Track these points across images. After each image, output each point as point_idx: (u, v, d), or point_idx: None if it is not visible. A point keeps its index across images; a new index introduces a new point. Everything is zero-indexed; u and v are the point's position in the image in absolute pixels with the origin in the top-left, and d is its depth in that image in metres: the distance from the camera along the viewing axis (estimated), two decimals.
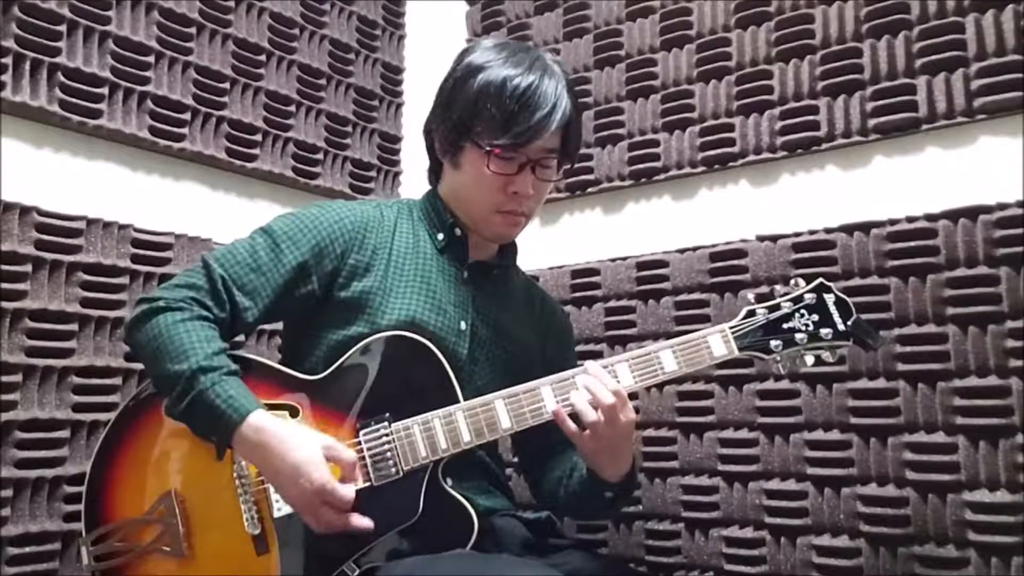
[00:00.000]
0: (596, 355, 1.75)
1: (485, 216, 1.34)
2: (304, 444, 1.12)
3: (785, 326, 1.24)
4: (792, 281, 1.27)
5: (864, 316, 1.30)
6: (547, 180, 1.34)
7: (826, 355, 1.25)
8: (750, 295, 1.28)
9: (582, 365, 1.23)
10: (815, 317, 1.24)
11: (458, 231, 1.38)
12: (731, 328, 1.25)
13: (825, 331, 1.24)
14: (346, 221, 1.33)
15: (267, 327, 1.73)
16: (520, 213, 1.34)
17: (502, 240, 1.41)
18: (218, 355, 1.16)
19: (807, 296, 1.25)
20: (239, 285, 1.24)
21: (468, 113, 1.28)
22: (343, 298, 1.29)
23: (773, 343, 1.24)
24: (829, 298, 1.25)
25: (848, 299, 1.26)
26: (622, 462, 1.25)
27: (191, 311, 1.20)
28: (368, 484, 1.19)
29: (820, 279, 1.27)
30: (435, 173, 1.43)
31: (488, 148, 1.27)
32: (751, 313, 1.25)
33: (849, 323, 1.24)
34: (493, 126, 1.26)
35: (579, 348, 1.78)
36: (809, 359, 1.25)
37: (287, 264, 1.27)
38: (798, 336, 1.24)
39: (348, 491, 1.12)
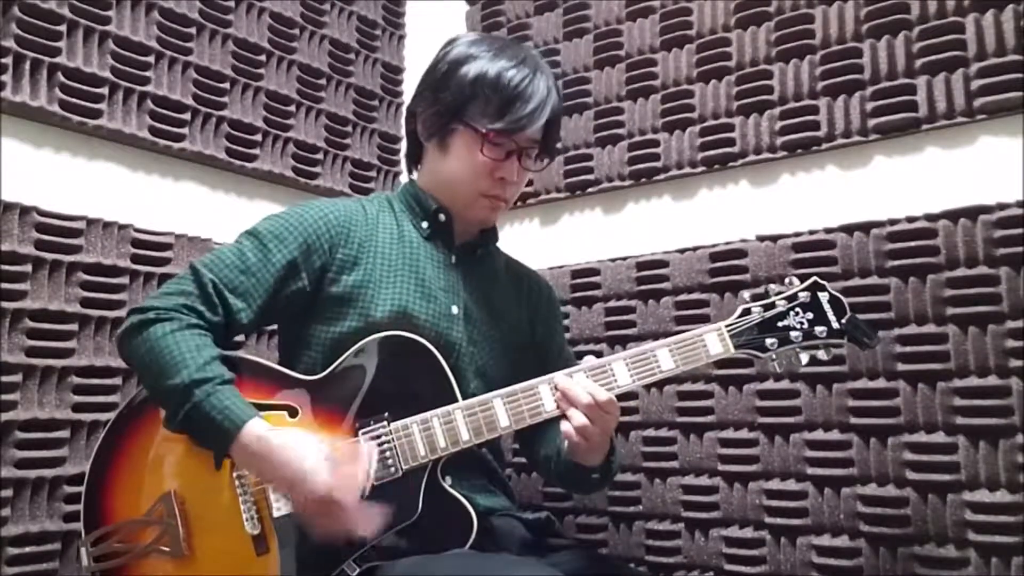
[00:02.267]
0: (596, 355, 1.74)
1: (470, 200, 1.35)
2: (306, 452, 1.12)
3: (780, 324, 1.25)
4: (787, 280, 1.28)
5: (864, 316, 1.30)
6: (530, 169, 1.38)
7: (821, 353, 1.25)
8: (746, 294, 1.28)
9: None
10: (810, 315, 1.25)
11: (442, 216, 1.39)
12: (727, 326, 1.25)
13: (820, 329, 1.24)
14: (330, 217, 1.33)
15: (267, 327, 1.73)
16: (503, 198, 1.36)
17: (483, 225, 1.43)
18: (210, 364, 1.15)
19: (801, 295, 1.26)
20: (231, 288, 1.24)
21: (463, 96, 1.31)
22: (334, 293, 1.30)
23: (768, 341, 1.24)
24: (823, 296, 1.26)
25: (842, 297, 1.26)
26: (603, 452, 1.28)
27: (180, 320, 1.19)
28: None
29: (814, 277, 1.27)
30: (414, 160, 1.44)
31: (484, 131, 1.29)
32: (747, 311, 1.26)
33: (843, 321, 1.25)
34: (489, 111, 1.29)
35: (579, 348, 1.78)
36: (804, 357, 1.25)
37: (276, 264, 1.27)
38: (793, 334, 1.24)
39: (351, 497, 1.12)
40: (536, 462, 1.48)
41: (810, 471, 1.50)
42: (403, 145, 2.13)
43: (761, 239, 1.62)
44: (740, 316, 1.26)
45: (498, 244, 1.52)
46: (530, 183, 1.90)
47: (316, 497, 1.10)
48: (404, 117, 1.44)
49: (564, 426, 1.20)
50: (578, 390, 1.19)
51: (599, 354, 1.73)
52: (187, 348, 1.16)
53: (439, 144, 1.36)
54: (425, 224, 1.39)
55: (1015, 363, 1.34)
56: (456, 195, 1.37)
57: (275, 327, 1.65)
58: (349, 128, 2.02)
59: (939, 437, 1.39)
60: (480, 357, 1.35)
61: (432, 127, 1.36)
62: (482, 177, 1.33)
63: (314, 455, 1.12)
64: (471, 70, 1.31)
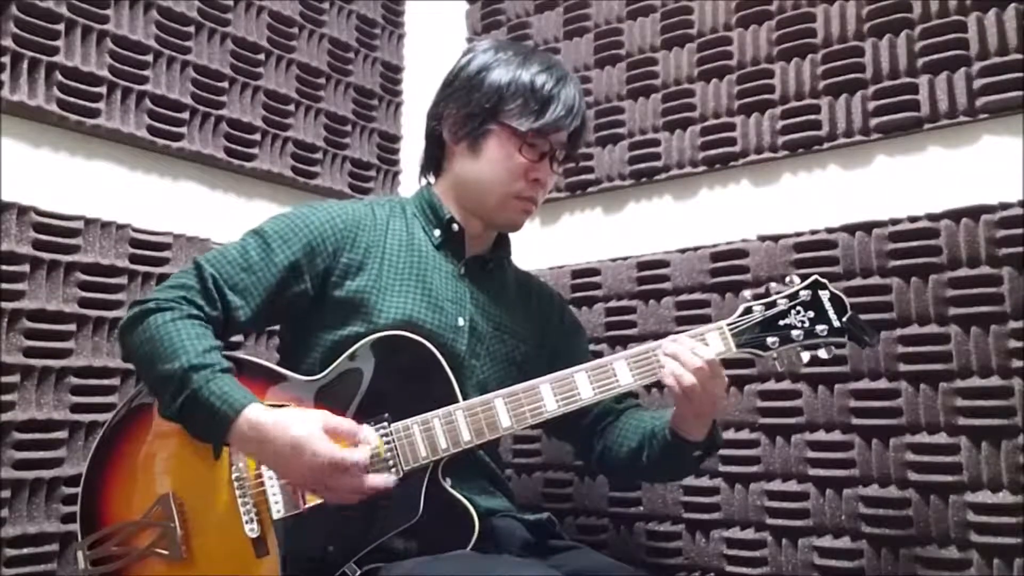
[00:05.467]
0: (596, 355, 1.74)
1: (503, 202, 1.35)
2: (301, 422, 1.10)
3: (781, 323, 1.24)
4: (787, 278, 1.27)
5: (866, 316, 1.30)
6: (557, 173, 1.39)
7: (822, 352, 1.24)
8: (747, 293, 1.28)
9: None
10: (811, 314, 1.24)
11: (455, 226, 1.38)
12: (729, 325, 1.25)
13: (821, 328, 1.23)
14: (337, 220, 1.32)
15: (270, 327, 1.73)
16: (535, 200, 1.37)
17: (512, 228, 1.42)
18: (210, 352, 1.15)
19: (802, 293, 1.25)
20: (230, 284, 1.24)
21: (498, 97, 1.32)
22: (337, 298, 1.29)
23: (770, 340, 1.23)
24: (824, 295, 1.25)
25: (843, 296, 1.25)
26: (706, 425, 1.28)
27: (181, 310, 1.19)
28: None
29: (815, 276, 1.26)
30: (433, 166, 1.43)
31: (525, 131, 1.30)
32: (748, 310, 1.25)
33: (844, 320, 1.24)
34: (528, 111, 1.31)
35: None
36: (805, 356, 1.24)
37: (278, 264, 1.27)
38: (794, 333, 1.23)
39: (360, 454, 1.09)
40: (609, 456, 1.43)
41: (811, 472, 1.49)
42: (403, 145, 2.15)
43: (762, 239, 1.61)
44: (742, 315, 1.25)
45: (511, 256, 1.50)
46: None
47: (317, 463, 1.07)
48: (426, 120, 1.42)
49: (672, 388, 1.21)
50: (686, 351, 1.20)
51: (600, 354, 1.74)
52: (187, 336, 1.15)
53: (471, 146, 1.35)
54: (437, 232, 1.38)
55: (1017, 363, 1.33)
56: (487, 198, 1.36)
57: (276, 328, 1.65)
58: (348, 127, 2.01)
59: (941, 438, 1.38)
60: (482, 371, 1.35)
61: (464, 129, 1.35)
62: (518, 178, 1.33)
63: (309, 425, 1.10)
64: (504, 74, 1.32)
